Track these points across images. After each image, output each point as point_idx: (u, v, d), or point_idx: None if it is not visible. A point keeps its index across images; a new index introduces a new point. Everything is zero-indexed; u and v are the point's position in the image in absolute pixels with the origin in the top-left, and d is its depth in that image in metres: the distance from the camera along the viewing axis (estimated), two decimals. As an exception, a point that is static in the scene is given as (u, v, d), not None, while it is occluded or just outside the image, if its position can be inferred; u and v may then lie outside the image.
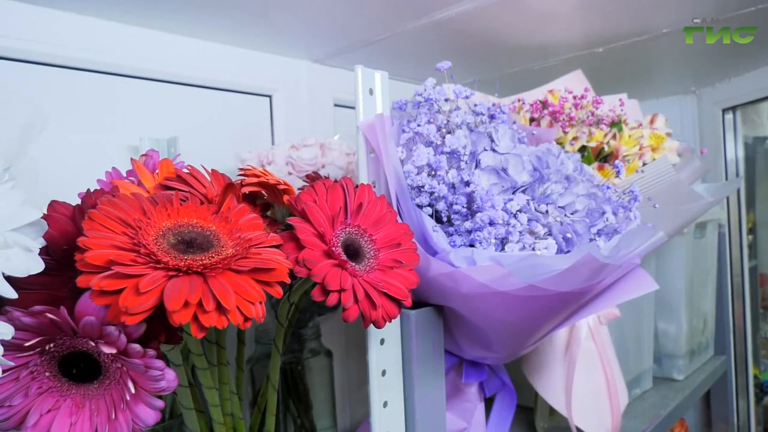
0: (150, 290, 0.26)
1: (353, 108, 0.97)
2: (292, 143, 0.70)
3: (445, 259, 0.41)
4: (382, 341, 0.43)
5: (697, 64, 1.08)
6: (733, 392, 1.20)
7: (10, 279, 0.25)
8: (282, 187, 0.38)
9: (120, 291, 0.26)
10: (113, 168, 0.41)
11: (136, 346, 0.27)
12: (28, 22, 0.58)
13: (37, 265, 0.25)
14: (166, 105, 0.72)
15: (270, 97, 0.85)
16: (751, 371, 1.22)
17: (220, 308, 0.27)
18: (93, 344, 0.27)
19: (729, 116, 1.18)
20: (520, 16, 0.76)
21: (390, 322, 0.36)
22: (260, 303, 0.29)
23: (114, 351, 0.27)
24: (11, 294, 0.23)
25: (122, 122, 0.67)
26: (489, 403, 0.63)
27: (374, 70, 0.44)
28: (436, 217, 0.44)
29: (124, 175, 0.41)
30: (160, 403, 0.28)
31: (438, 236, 0.42)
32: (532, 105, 0.66)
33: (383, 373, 0.43)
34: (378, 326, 0.36)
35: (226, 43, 0.76)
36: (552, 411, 0.80)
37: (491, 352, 0.49)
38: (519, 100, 0.70)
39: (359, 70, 0.43)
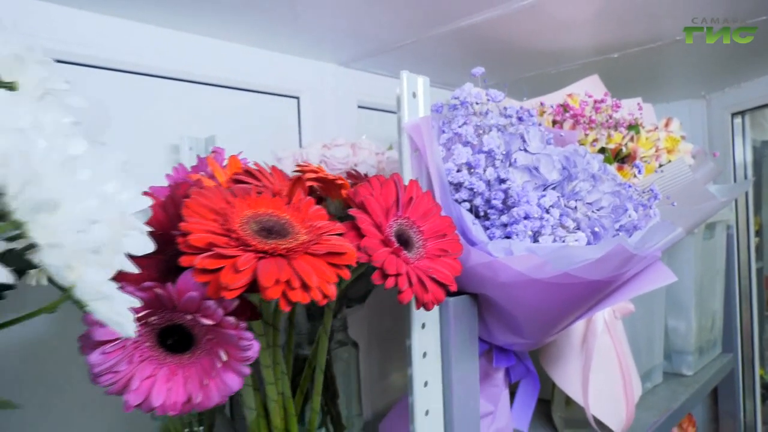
0: (245, 269, 0.29)
1: (376, 110, 1.01)
2: (323, 143, 0.74)
3: (484, 250, 0.45)
4: (423, 326, 0.47)
5: (707, 69, 1.12)
6: (740, 389, 1.24)
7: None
8: (339, 182, 0.42)
9: (219, 270, 0.30)
10: (179, 164, 0.45)
11: (231, 319, 0.31)
12: (76, 26, 0.62)
13: (150, 246, 0.28)
14: (202, 105, 0.76)
15: (297, 98, 0.89)
16: (758, 371, 1.26)
17: (304, 286, 0.31)
18: (190, 317, 0.31)
19: (738, 120, 1.22)
20: (540, 24, 0.80)
21: (437, 305, 0.40)
22: (334, 283, 0.32)
23: (212, 323, 0.30)
24: (134, 269, 0.27)
25: (162, 122, 0.71)
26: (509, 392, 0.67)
27: (418, 75, 0.48)
28: (474, 212, 0.48)
29: (189, 169, 0.44)
30: (247, 371, 0.32)
31: (477, 229, 0.46)
32: (554, 108, 0.70)
33: (424, 355, 0.47)
34: (427, 309, 0.39)
35: (257, 46, 0.80)
36: (568, 401, 0.83)
37: (521, 338, 0.53)
38: (541, 104, 0.73)
39: (404, 75, 0.47)
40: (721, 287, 1.19)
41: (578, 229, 0.47)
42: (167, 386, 0.32)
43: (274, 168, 0.43)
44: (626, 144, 0.69)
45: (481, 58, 0.94)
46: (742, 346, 1.24)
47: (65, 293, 0.24)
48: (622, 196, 0.52)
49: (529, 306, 0.47)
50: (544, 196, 0.46)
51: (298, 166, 0.44)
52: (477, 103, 0.54)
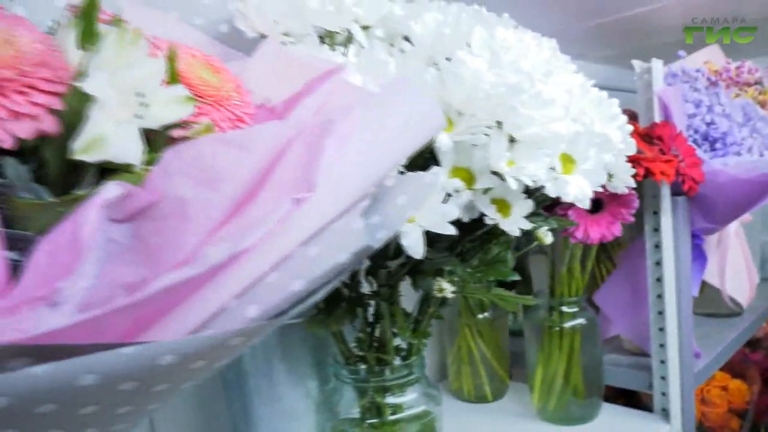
0: (643, 166, 0.64)
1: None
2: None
3: (709, 162, 0.79)
4: (664, 212, 0.81)
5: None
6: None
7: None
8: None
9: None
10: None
11: (633, 192, 0.65)
12: None
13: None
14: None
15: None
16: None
17: (667, 175, 0.65)
18: (608, 193, 0.65)
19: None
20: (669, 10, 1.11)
21: (696, 191, 0.75)
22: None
23: (626, 193, 0.65)
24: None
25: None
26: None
27: (658, 60, 0.81)
28: (694, 143, 0.82)
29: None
30: (632, 219, 0.67)
31: (700, 152, 0.80)
32: (707, 72, 1.03)
33: (662, 231, 0.81)
34: (690, 195, 0.74)
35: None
36: (701, 290, 1.18)
37: (712, 224, 0.87)
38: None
39: (653, 61, 0.80)
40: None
41: (760, 152, 0.81)
42: (591, 229, 0.66)
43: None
44: (757, 96, 1.02)
45: (608, 33, 1.26)
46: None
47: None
48: (779, 131, 0.85)
49: (730, 197, 0.81)
50: (740, 131, 0.80)
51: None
52: (674, 75, 0.87)
